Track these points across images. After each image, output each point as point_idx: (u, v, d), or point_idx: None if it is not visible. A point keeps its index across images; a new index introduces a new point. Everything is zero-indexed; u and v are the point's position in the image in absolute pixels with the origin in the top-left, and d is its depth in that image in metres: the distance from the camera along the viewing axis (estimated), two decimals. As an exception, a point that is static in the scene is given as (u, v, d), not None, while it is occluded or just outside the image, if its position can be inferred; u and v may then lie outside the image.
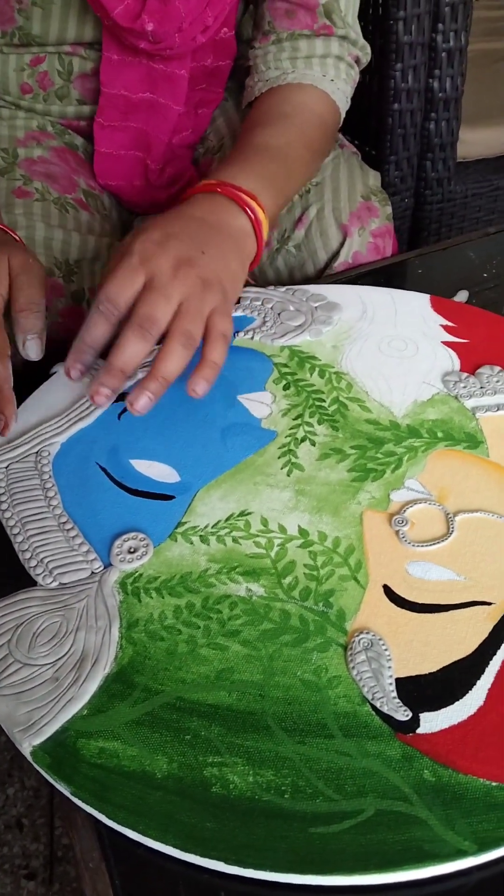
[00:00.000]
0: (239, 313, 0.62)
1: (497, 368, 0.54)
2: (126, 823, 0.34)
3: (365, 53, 0.71)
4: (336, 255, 0.70)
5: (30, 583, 0.44)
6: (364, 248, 0.70)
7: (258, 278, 0.79)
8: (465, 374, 0.54)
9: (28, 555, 0.45)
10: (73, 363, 0.52)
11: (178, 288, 0.49)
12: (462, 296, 0.65)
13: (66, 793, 0.36)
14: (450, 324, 0.59)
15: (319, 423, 0.52)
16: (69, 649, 0.40)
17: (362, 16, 0.90)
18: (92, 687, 0.39)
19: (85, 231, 0.69)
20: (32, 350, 0.53)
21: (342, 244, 0.69)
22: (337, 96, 0.69)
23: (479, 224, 1.04)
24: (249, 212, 0.57)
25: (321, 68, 0.68)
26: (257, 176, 0.58)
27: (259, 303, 0.62)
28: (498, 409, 0.52)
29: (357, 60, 0.71)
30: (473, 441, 0.50)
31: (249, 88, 0.71)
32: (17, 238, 0.60)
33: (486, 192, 1.02)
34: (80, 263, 0.66)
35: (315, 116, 0.67)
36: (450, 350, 0.57)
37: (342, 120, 0.72)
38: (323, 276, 0.71)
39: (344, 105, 0.71)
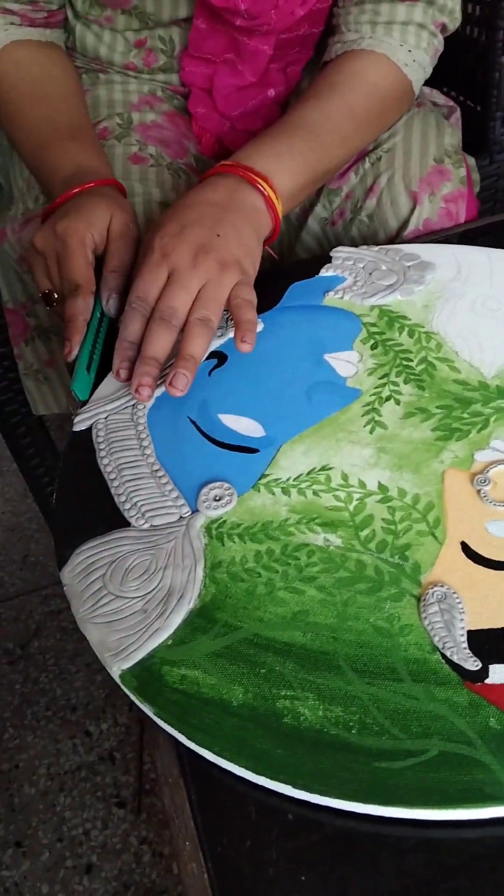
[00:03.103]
0: (330, 273, 0.62)
1: None
2: (203, 744, 0.37)
3: (452, 19, 0.69)
4: (406, 222, 0.69)
5: (124, 524, 0.47)
6: (435, 214, 0.68)
7: (285, 254, 0.79)
8: None
9: (123, 498, 0.48)
10: (121, 363, 0.54)
11: (196, 276, 0.53)
12: None
13: (150, 714, 0.39)
14: (547, 284, 0.58)
15: (406, 382, 0.53)
16: (157, 585, 0.43)
17: (470, -36, 0.86)
18: (177, 620, 0.41)
19: None
20: (114, 306, 0.58)
21: (413, 211, 0.68)
22: (411, 68, 0.67)
23: None
24: (261, 189, 0.58)
25: (400, 35, 0.67)
26: (275, 154, 0.60)
27: (351, 262, 0.62)
28: None
29: (443, 28, 0.69)
30: None
31: (329, 47, 0.70)
32: (124, 196, 0.63)
33: None
34: None
35: (367, 86, 0.66)
36: (545, 311, 0.55)
37: (417, 87, 0.70)
38: (422, 237, 0.70)
39: (419, 76, 0.69)
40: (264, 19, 0.65)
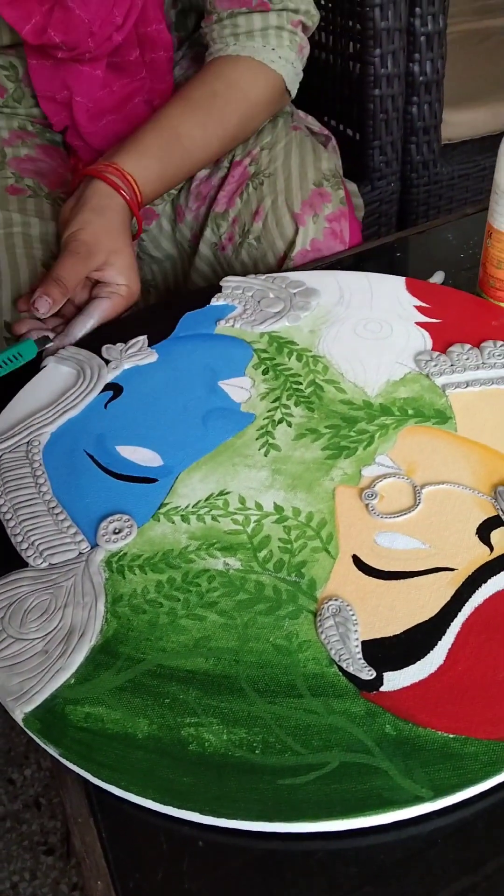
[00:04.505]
0: (221, 302, 0.64)
1: (467, 346, 0.56)
2: (110, 781, 0.37)
3: (309, 17, 0.74)
4: (293, 243, 0.72)
5: (21, 564, 0.46)
6: (320, 234, 0.72)
7: (180, 280, 0.81)
8: (437, 353, 0.56)
9: (20, 538, 0.47)
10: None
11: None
12: (438, 276, 0.67)
13: (56, 755, 0.39)
14: (424, 304, 0.61)
15: (296, 405, 0.55)
16: (58, 624, 0.43)
17: (338, 4, 0.91)
18: (79, 658, 0.41)
19: None
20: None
21: (297, 232, 0.71)
22: (278, 64, 0.72)
23: (467, 205, 1.04)
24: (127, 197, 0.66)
25: (262, 39, 0.71)
26: (147, 167, 0.67)
27: (240, 291, 0.64)
28: (467, 386, 0.53)
29: (302, 26, 0.73)
30: (442, 417, 0.52)
31: (207, 56, 0.74)
32: None
33: (472, 172, 1.02)
34: None
35: (240, 98, 0.71)
36: (423, 330, 0.59)
37: (290, 84, 0.75)
38: (303, 264, 0.73)
39: (289, 71, 0.73)
40: (83, 48, 0.68)
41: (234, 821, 0.35)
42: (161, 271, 0.84)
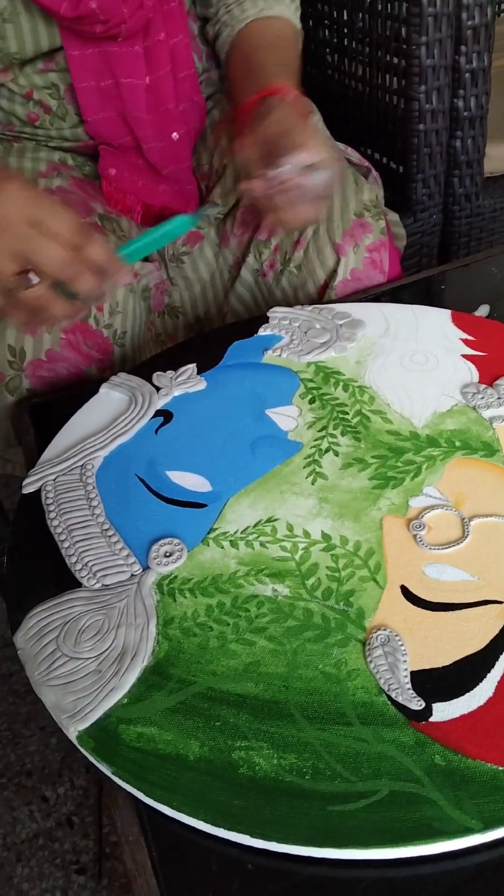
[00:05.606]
0: (268, 332, 0.65)
1: (514, 379, 0.57)
2: (161, 800, 0.38)
3: None
4: (334, 272, 0.73)
5: (75, 585, 0.48)
6: (360, 263, 0.73)
7: (221, 304, 0.83)
8: (484, 386, 0.57)
9: (74, 559, 0.49)
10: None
11: None
12: (483, 310, 0.67)
13: (108, 773, 0.40)
14: (469, 337, 0.62)
15: (343, 434, 0.56)
16: (111, 644, 0.44)
17: (383, 41, 0.93)
18: (132, 678, 0.42)
19: None
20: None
21: (338, 262, 0.73)
22: (296, 19, 0.79)
23: (509, 237, 1.05)
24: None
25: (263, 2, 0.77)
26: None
27: (287, 322, 0.66)
28: (514, 419, 0.54)
29: None
30: (490, 450, 0.52)
31: (225, 38, 0.79)
32: None
33: (514, 205, 1.03)
34: None
35: (293, 42, 0.78)
36: (469, 363, 0.59)
37: (297, 23, 0.80)
38: (349, 296, 0.74)
39: (294, 15, 0.80)
40: (118, 17, 0.70)
41: (284, 845, 0.36)
42: (190, 298, 0.86)
